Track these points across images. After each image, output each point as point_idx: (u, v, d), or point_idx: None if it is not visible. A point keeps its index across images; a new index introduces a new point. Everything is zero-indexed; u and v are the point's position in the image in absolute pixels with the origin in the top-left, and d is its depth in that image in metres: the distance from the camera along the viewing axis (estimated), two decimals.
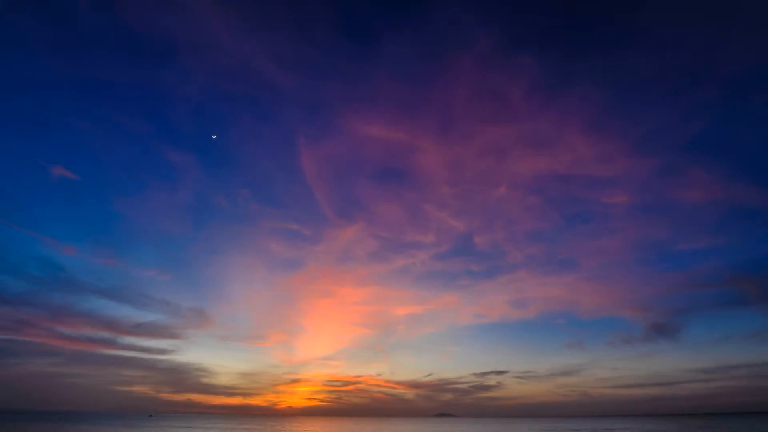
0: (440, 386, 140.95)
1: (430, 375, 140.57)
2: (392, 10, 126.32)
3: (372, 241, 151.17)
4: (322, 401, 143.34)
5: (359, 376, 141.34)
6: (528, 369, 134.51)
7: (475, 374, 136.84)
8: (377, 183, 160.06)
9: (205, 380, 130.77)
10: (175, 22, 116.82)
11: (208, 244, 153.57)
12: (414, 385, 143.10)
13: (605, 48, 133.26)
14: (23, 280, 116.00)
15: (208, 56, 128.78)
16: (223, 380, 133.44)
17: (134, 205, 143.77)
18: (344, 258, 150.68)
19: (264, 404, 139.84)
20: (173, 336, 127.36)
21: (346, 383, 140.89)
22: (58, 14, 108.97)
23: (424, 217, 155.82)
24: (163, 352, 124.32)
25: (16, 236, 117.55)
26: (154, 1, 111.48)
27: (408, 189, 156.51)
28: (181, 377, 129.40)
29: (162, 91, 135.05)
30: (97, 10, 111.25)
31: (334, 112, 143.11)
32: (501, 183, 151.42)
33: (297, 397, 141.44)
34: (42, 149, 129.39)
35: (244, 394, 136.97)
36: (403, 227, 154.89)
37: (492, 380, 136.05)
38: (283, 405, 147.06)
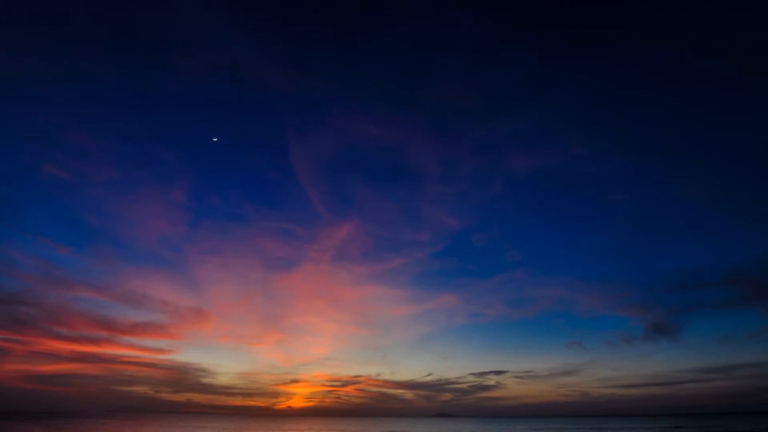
0: (440, 386, 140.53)
1: (429, 375, 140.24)
2: (381, 4, 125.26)
3: (367, 240, 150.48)
4: (321, 401, 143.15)
5: (358, 376, 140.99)
6: (527, 369, 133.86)
7: (473, 374, 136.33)
8: (370, 181, 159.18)
9: (205, 380, 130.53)
10: (165, 20, 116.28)
11: (203, 243, 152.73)
12: (413, 385, 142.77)
13: (602, 41, 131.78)
14: (18, 280, 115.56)
15: (199, 54, 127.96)
16: (222, 380, 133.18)
17: (128, 204, 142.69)
18: (340, 257, 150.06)
19: (263, 404, 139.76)
20: (171, 336, 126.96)
21: (345, 383, 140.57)
22: (47, 12, 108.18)
23: (418, 215, 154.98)
24: (161, 351, 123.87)
25: (9, 235, 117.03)
26: None
27: (401, 187, 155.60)
28: (181, 377, 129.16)
29: (154, 89, 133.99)
30: (86, 7, 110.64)
31: (325, 110, 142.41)
32: (496, 180, 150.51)
33: (296, 398, 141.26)
34: (33, 148, 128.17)
35: (244, 395, 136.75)
36: (398, 226, 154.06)
37: (491, 380, 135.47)
38: (283, 405, 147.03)
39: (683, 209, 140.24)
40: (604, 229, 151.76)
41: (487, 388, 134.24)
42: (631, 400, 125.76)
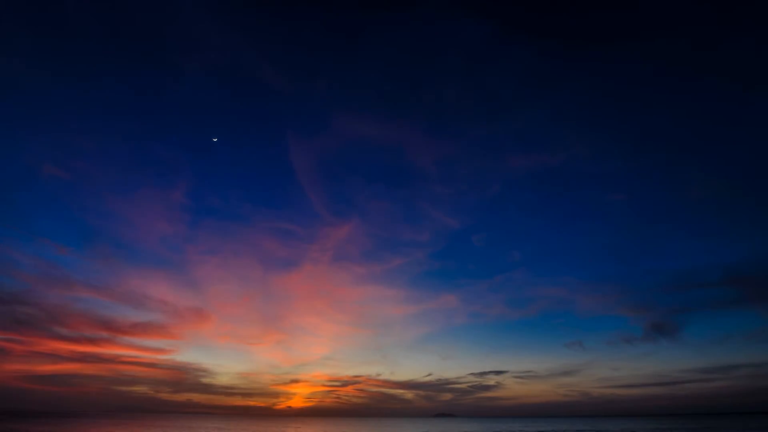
0: (440, 386, 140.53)
1: (429, 375, 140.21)
2: (381, 6, 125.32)
3: (366, 240, 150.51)
4: (321, 401, 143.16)
5: (358, 376, 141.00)
6: (527, 369, 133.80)
7: (473, 374, 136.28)
8: (370, 181, 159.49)
9: (205, 380, 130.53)
10: (165, 20, 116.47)
11: (203, 243, 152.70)
12: (413, 385, 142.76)
13: (602, 42, 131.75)
14: (18, 280, 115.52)
15: (199, 54, 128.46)
16: (222, 380, 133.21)
17: (128, 204, 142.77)
18: (339, 257, 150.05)
19: (263, 404, 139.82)
20: (171, 336, 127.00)
21: (345, 383, 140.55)
22: (46, 12, 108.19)
23: (418, 215, 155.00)
24: (161, 351, 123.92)
25: (10, 235, 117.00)
26: None
27: (401, 187, 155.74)
28: (181, 377, 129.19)
29: (154, 89, 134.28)
30: (86, 7, 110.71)
31: (325, 111, 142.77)
32: (496, 180, 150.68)
33: (296, 398, 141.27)
34: (32, 148, 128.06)
35: (244, 395, 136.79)
36: (398, 226, 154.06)
37: (491, 380, 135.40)
38: (283, 405, 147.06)
39: (683, 209, 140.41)
40: (603, 229, 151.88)
41: (487, 388, 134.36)
42: (631, 400, 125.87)
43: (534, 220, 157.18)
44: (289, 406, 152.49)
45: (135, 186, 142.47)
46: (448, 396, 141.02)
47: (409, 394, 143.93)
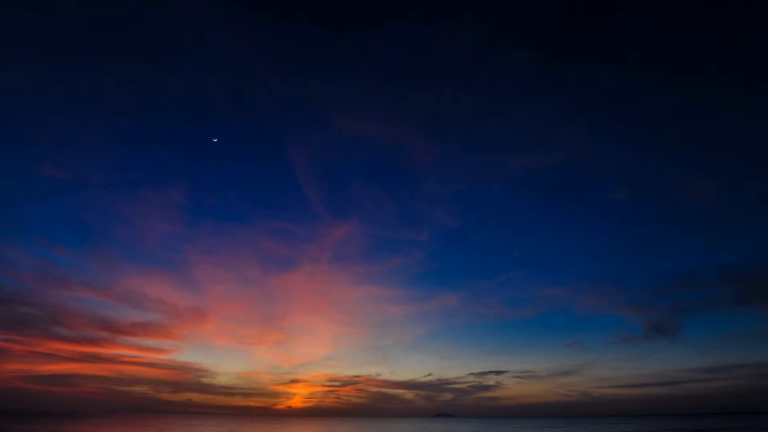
0: (439, 386, 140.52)
1: (429, 375, 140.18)
2: (380, 5, 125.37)
3: (366, 240, 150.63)
4: (321, 401, 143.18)
5: (358, 376, 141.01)
6: (527, 369, 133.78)
7: (473, 374, 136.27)
8: (369, 181, 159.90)
9: (205, 380, 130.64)
10: (165, 20, 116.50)
11: (202, 243, 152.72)
12: (413, 385, 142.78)
13: (602, 41, 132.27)
14: (18, 280, 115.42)
15: (198, 54, 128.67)
16: (222, 380, 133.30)
17: (128, 204, 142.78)
18: (339, 257, 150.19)
19: (263, 405, 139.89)
20: (171, 336, 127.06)
21: (345, 383, 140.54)
22: (43, 11, 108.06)
23: (417, 215, 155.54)
24: (161, 351, 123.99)
25: (9, 235, 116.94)
26: None
27: (400, 187, 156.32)
28: (181, 377, 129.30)
29: (153, 89, 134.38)
30: (86, 7, 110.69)
31: (324, 110, 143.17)
32: (496, 180, 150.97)
33: (296, 398, 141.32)
34: (32, 148, 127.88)
35: (244, 395, 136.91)
36: (397, 225, 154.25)
37: (491, 380, 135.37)
38: (282, 405, 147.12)
39: (683, 209, 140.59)
40: (604, 229, 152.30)
41: (487, 388, 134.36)
42: (631, 400, 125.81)
43: (534, 219, 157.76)
44: (289, 406, 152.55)
45: (135, 186, 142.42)
46: (448, 396, 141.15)
47: (409, 394, 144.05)
